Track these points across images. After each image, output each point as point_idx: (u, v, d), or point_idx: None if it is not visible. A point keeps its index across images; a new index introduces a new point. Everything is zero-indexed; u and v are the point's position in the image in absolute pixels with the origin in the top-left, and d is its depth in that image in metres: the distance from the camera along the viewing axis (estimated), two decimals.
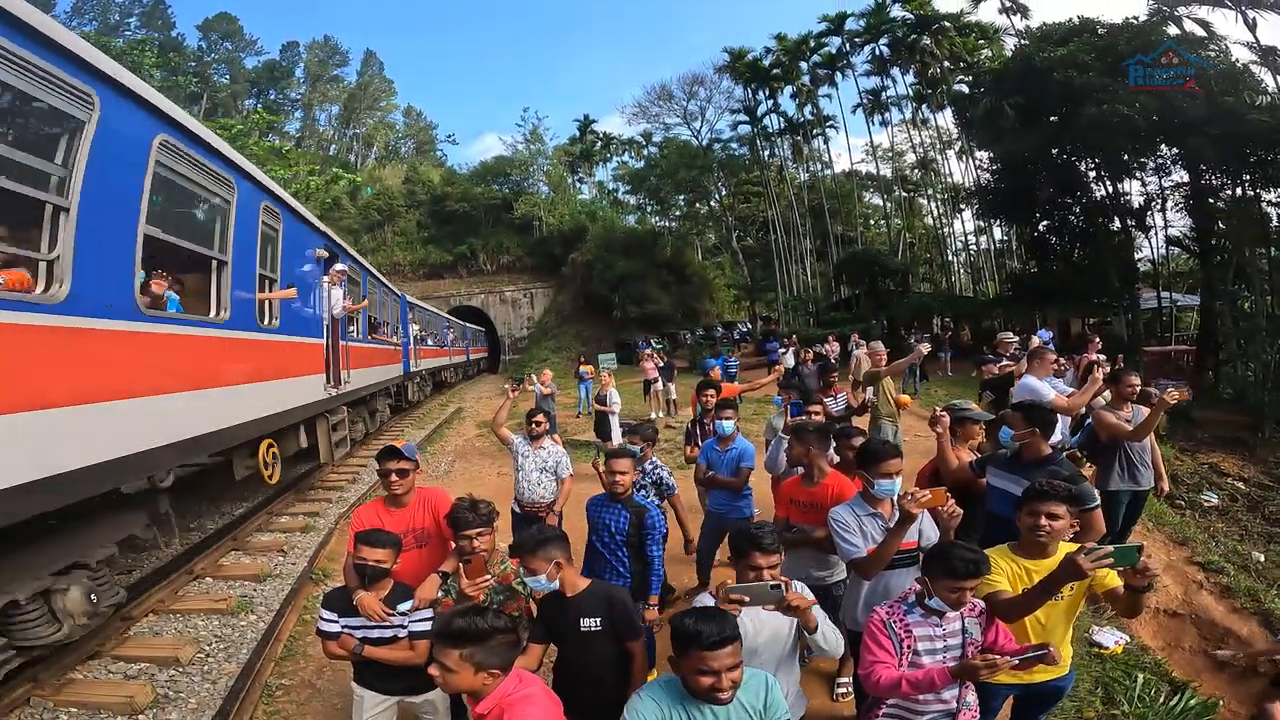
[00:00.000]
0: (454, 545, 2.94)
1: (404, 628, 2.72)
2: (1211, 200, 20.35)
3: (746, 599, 2.19)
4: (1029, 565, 2.61)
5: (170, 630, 4.65)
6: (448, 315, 27.69)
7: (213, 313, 5.35)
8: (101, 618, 3.99)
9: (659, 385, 15.26)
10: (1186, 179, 20.92)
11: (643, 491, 4.48)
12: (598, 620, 2.56)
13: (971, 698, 2.42)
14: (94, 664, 4.08)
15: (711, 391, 5.88)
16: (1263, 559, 7.51)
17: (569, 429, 13.47)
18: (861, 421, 6.93)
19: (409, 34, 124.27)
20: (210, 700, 3.78)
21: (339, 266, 8.80)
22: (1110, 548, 2.20)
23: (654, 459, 4.69)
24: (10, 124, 3.37)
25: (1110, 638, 4.87)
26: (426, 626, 2.69)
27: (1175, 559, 6.61)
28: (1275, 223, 19.83)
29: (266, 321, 6.35)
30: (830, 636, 2.42)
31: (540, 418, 5.09)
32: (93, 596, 3.83)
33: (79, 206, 3.38)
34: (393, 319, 14.40)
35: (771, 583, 2.23)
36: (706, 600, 2.41)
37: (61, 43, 3.27)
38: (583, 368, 16.59)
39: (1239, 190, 19.90)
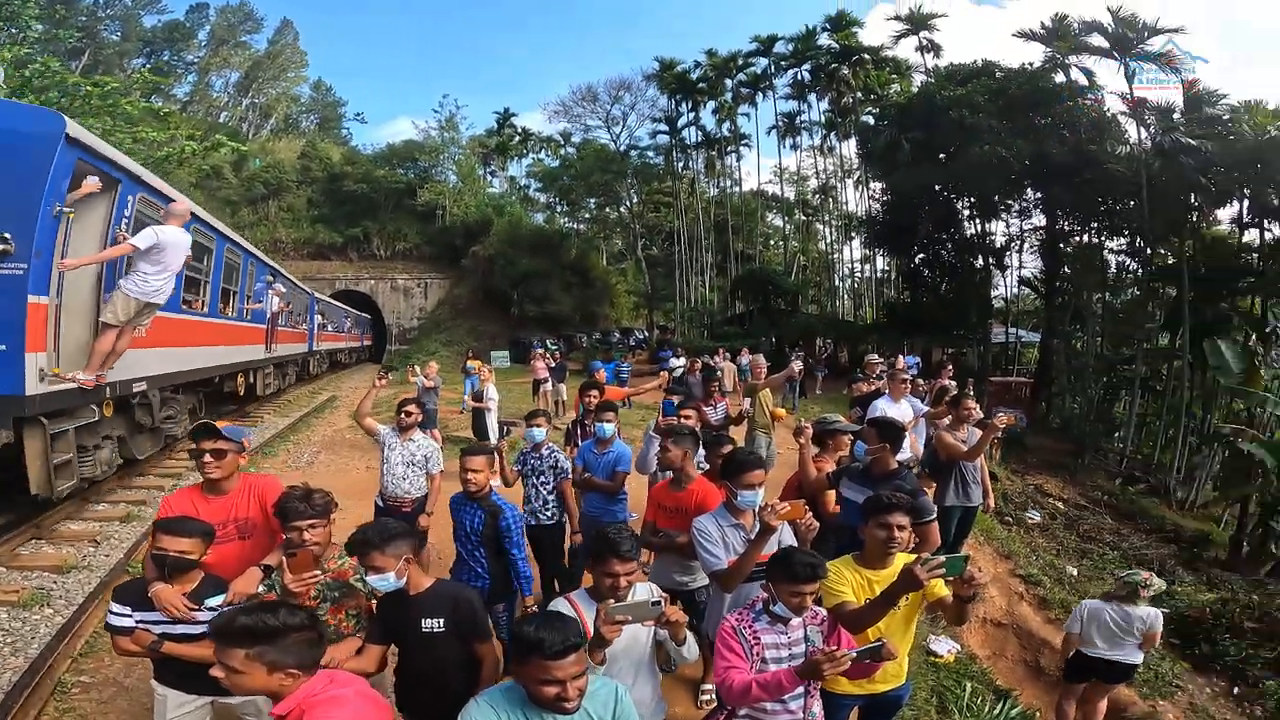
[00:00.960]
0: (283, 538, 2.71)
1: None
2: (1062, 245, 22.65)
3: (629, 618, 2.14)
4: (870, 575, 2.71)
5: None
6: (343, 305, 26.67)
7: None
8: None
9: (548, 386, 15.17)
10: (1044, 223, 23.16)
11: (542, 477, 4.47)
12: (440, 621, 2.43)
13: (817, 708, 2.45)
14: None
15: (594, 393, 5.80)
16: (1075, 573, 8.38)
17: (450, 425, 13.12)
18: (739, 432, 7.20)
19: (333, 6, 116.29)
20: None
21: (280, 287, 12.79)
22: (943, 558, 2.32)
23: (551, 445, 4.63)
24: None
25: (944, 646, 5.20)
26: None
27: (1001, 571, 7.19)
28: (1113, 270, 22.40)
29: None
30: (694, 647, 2.42)
31: (411, 408, 4.91)
32: None
33: None
34: (300, 309, 17.87)
35: (652, 599, 2.20)
36: (560, 605, 2.38)
37: None
38: (470, 363, 16.19)
39: (1086, 237, 22.29)
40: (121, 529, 6.29)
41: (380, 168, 41.36)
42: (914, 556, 2.68)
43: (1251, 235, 19.47)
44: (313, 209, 38.84)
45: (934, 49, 29.16)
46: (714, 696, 3.63)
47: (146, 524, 6.35)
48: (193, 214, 7.62)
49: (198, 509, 2.80)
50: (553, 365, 15.71)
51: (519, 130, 46.68)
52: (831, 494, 3.92)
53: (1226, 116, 17.84)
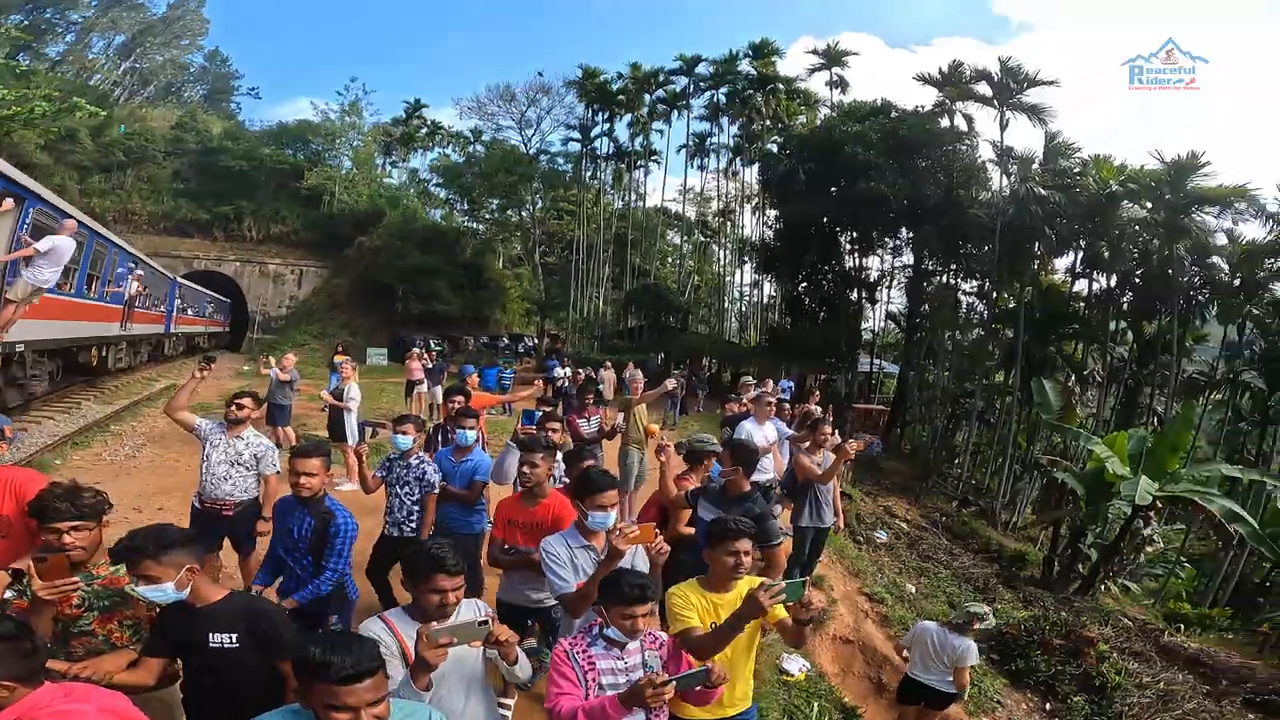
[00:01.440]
0: (40, 540, 2.45)
1: None
2: (925, 284, 24.57)
3: (454, 640, 2.01)
4: (715, 599, 2.67)
5: None
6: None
7: None
8: None
9: (424, 388, 14.54)
10: (912, 261, 25.02)
11: (407, 488, 4.28)
12: (233, 635, 2.23)
13: None
14: None
15: (460, 398, 5.56)
16: (914, 590, 8.88)
17: (310, 423, 12.24)
18: (612, 446, 7.20)
19: None
20: None
21: (140, 273, 14.36)
22: (783, 584, 2.31)
23: (421, 454, 4.41)
24: None
25: (796, 665, 5.31)
26: None
27: (850, 589, 7.47)
28: (964, 310, 24.50)
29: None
30: (526, 666, 2.34)
31: (245, 401, 4.51)
32: None
33: None
34: (160, 294, 18.77)
35: (479, 619, 2.12)
36: (374, 626, 2.23)
37: None
38: (337, 358, 15.25)
39: (946, 278, 24.27)
40: None
41: (266, 145, 38.77)
42: (759, 580, 2.69)
43: (1081, 285, 22.10)
44: (178, 181, 35.69)
45: (842, 85, 30.81)
46: None
47: None
48: (78, 221, 9.33)
49: None
50: (430, 366, 15.07)
51: (428, 122, 45.13)
52: (687, 513, 3.93)
53: (1077, 170, 19.80)
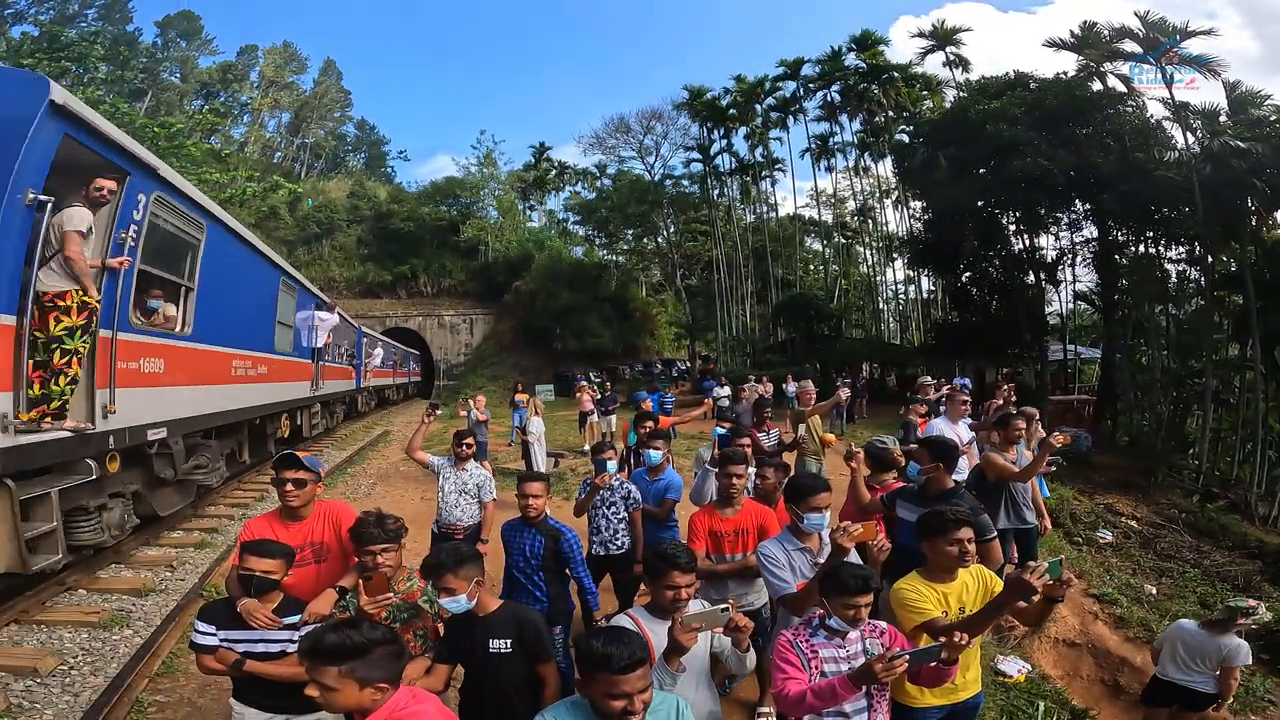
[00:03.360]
0: (356, 561, 2.83)
1: (292, 642, 2.58)
2: (1117, 257, 21.90)
3: (703, 625, 2.24)
4: (943, 590, 2.75)
5: (32, 641, 4.35)
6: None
7: None
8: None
9: (594, 418, 15.30)
10: (1096, 235, 22.43)
11: (614, 508, 4.54)
12: (508, 642, 2.51)
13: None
14: None
15: (650, 423, 5.90)
16: (1155, 591, 8.06)
17: (500, 457, 13.27)
18: (790, 458, 7.19)
19: (372, 46, 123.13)
20: (68, 713, 3.57)
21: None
22: (1045, 563, 2.38)
23: (619, 477, 4.70)
24: None
25: (1014, 666, 5.04)
26: None
27: (1073, 591, 6.92)
28: (1174, 280, 21.51)
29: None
30: (752, 657, 2.49)
31: (470, 440, 5.19)
32: None
33: None
34: (349, 345, 17.71)
35: (721, 606, 2.27)
36: (623, 621, 2.45)
37: None
38: (518, 396, 16.46)
39: (1142, 248, 21.51)
40: (196, 554, 6.53)
41: (424, 205, 42.46)
42: (981, 569, 2.84)
43: None
44: (362, 247, 40.02)
45: (962, 63, 28.93)
46: (773, 717, 3.65)
47: (219, 550, 6.61)
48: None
49: (276, 534, 2.93)
50: (599, 398, 15.86)
51: (555, 164, 47.79)
52: (890, 515, 3.90)
53: (1273, 118, 17.17)
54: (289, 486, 2.98)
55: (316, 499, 3.14)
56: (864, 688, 2.23)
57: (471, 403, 12.19)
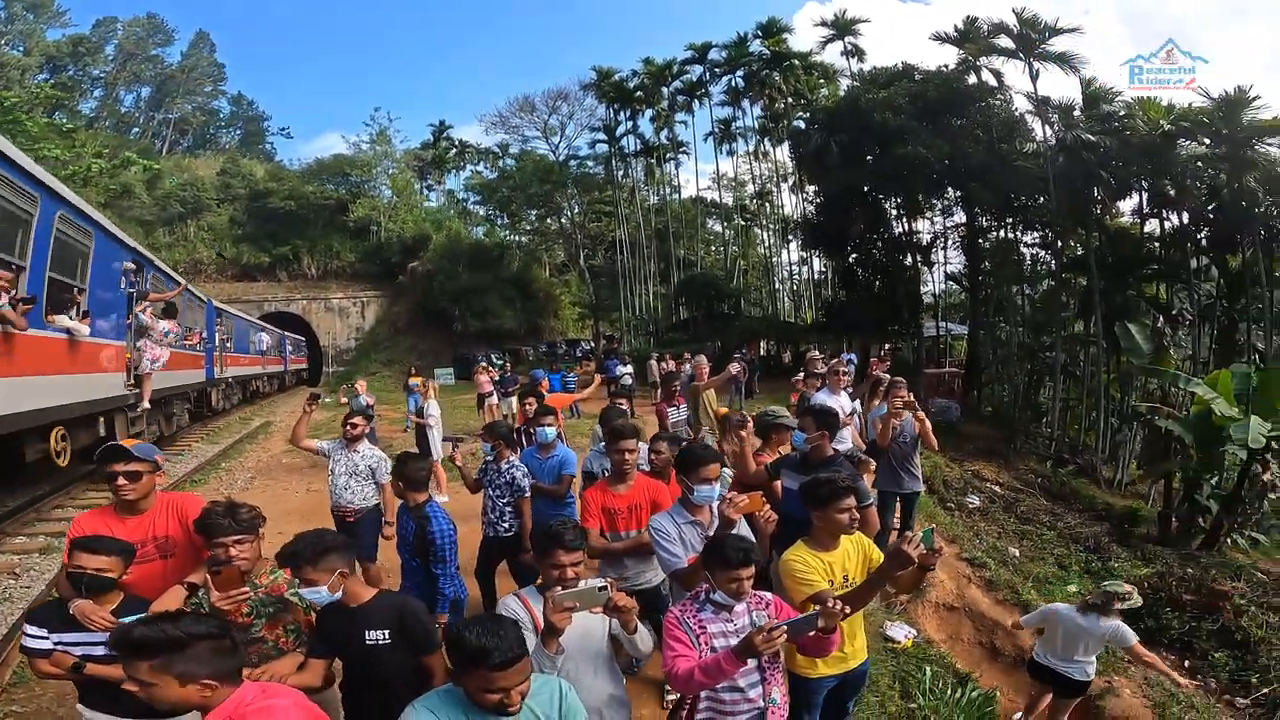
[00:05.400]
0: (207, 555, 2.64)
1: None
2: (981, 241, 23.73)
3: (576, 605, 2.16)
4: (828, 559, 2.80)
5: None
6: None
7: None
8: None
9: (493, 400, 15.01)
10: (964, 220, 24.22)
11: (498, 491, 4.50)
12: (386, 632, 2.40)
13: (778, 694, 2.44)
14: None
15: (532, 399, 5.92)
16: (1017, 553, 8.63)
17: (395, 444, 12.73)
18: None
19: (255, 18, 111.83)
20: None
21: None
22: (920, 532, 2.49)
23: (510, 459, 4.57)
24: None
25: (900, 632, 5.28)
26: None
27: (948, 556, 7.22)
28: (1029, 263, 23.61)
29: None
30: (647, 638, 2.44)
31: (357, 420, 5.15)
32: None
33: None
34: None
35: (598, 584, 2.22)
36: (511, 602, 2.43)
37: None
38: (412, 380, 15.82)
39: (1003, 233, 23.45)
40: (42, 560, 6.07)
41: (309, 184, 39.82)
42: (860, 536, 2.90)
43: (1152, 225, 20.95)
44: (235, 228, 37.09)
45: (858, 53, 30.08)
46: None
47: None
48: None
49: (112, 529, 2.70)
50: (498, 379, 15.53)
51: (455, 143, 46.10)
52: (776, 485, 3.92)
53: (1122, 113, 18.95)
54: (121, 480, 2.74)
55: (158, 490, 2.94)
56: (752, 661, 2.23)
57: (357, 387, 11.76)
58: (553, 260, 43.46)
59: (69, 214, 6.92)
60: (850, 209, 24.58)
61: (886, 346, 24.13)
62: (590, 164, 42.24)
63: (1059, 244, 21.55)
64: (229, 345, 17.58)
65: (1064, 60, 19.34)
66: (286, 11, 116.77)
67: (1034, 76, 19.70)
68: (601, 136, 38.67)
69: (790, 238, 37.14)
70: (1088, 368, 20.53)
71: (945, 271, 27.56)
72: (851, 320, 25.14)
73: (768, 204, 39.44)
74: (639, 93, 35.84)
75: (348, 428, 5.07)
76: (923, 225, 26.45)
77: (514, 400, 15.05)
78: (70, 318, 6.91)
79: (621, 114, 37.14)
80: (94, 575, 2.38)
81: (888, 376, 9.35)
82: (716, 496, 3.01)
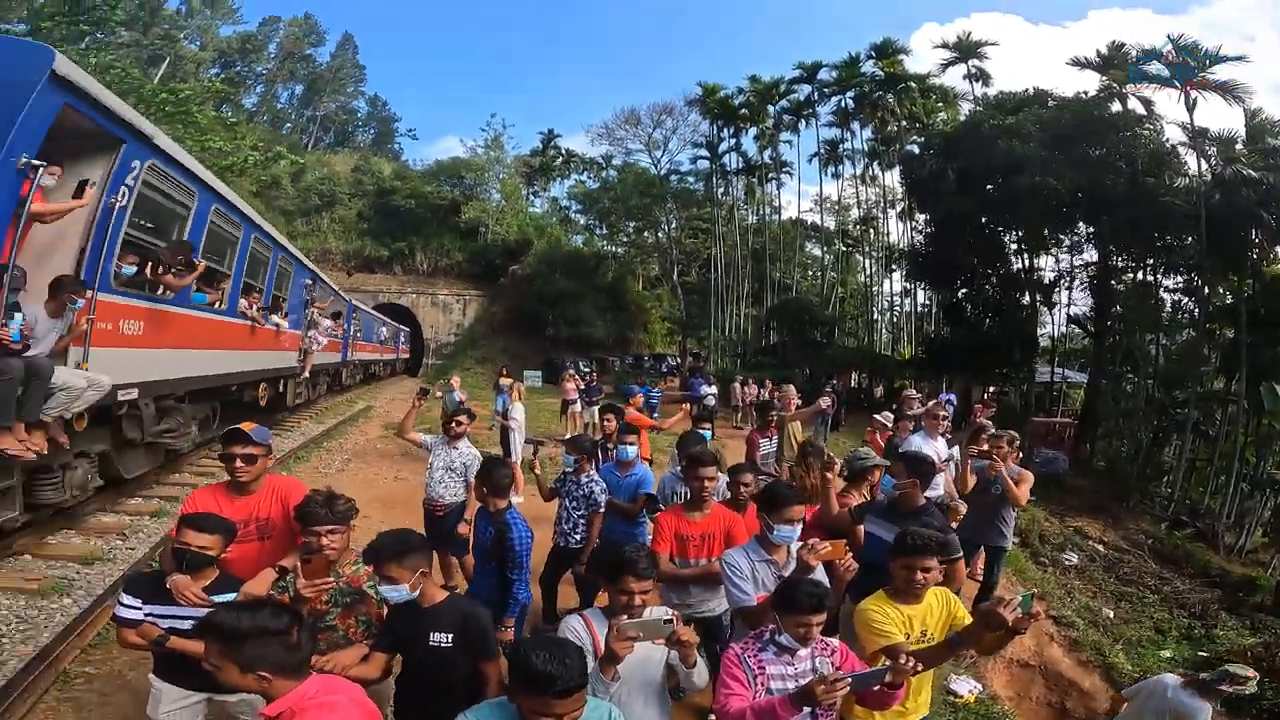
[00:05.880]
0: (301, 541, 2.75)
1: None
2: (1114, 282, 21.86)
3: (640, 635, 2.16)
4: (908, 611, 2.70)
5: None
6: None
7: None
8: None
9: (577, 407, 15.19)
10: (1096, 258, 22.38)
11: (575, 502, 4.53)
12: (450, 636, 2.44)
13: None
14: None
15: (611, 416, 5.89)
16: (1112, 615, 8.07)
17: (480, 441, 13.14)
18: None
19: (392, 24, 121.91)
20: None
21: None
22: (1019, 596, 2.38)
23: (590, 472, 4.62)
24: None
25: (965, 686, 5.01)
26: None
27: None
28: (1169, 310, 21.43)
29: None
30: (703, 672, 2.41)
31: (462, 418, 5.23)
32: None
33: None
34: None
35: (664, 617, 2.21)
36: (574, 623, 2.42)
37: None
38: (503, 380, 16.32)
39: (1140, 274, 21.46)
40: (151, 523, 6.34)
41: (428, 184, 42.20)
42: (946, 591, 2.80)
43: None
44: (362, 222, 39.79)
45: (983, 77, 28.68)
46: None
47: (175, 519, 6.46)
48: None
49: (221, 507, 2.86)
50: (583, 387, 15.70)
51: (562, 152, 47.61)
52: (859, 530, 3.77)
53: None
54: (238, 463, 2.91)
55: (268, 473, 3.08)
56: (806, 708, 2.15)
57: (452, 382, 12.18)
58: (646, 273, 43.89)
59: (260, 236, 9.51)
60: (963, 240, 23.37)
61: (991, 390, 22.62)
62: (690, 179, 42.53)
63: (1205, 290, 19.51)
64: (358, 335, 20.69)
65: (1226, 90, 17.76)
66: (421, 17, 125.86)
67: (1190, 106, 18.17)
68: (703, 152, 38.87)
69: (894, 267, 35.77)
70: (1223, 428, 18.48)
71: (1068, 313, 25.53)
72: (954, 358, 23.75)
73: (872, 230, 38.16)
74: (744, 110, 35.68)
75: (452, 425, 5.17)
76: (1045, 262, 24.74)
77: (596, 410, 15.38)
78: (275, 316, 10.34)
79: (725, 131, 37.11)
80: (196, 552, 2.49)
81: (990, 424, 8.76)
82: (795, 538, 2.97)
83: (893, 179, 34.08)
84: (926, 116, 31.00)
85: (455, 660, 2.45)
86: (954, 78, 29.75)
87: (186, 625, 2.47)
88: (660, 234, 42.81)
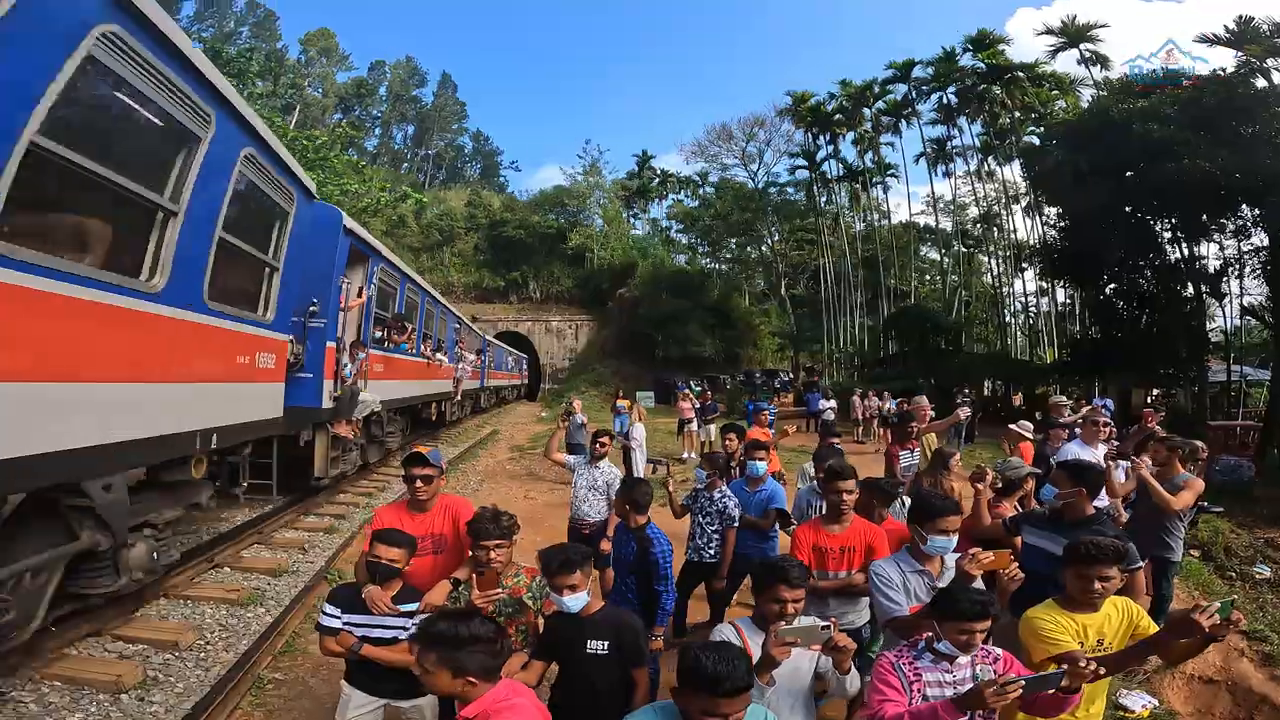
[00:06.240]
0: (470, 554, 2.95)
1: (405, 629, 2.72)
2: None
3: (798, 641, 2.21)
4: (1083, 620, 2.60)
5: (177, 615, 4.71)
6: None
7: None
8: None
9: (693, 426, 15.21)
10: (1267, 243, 19.77)
11: (709, 518, 4.61)
12: (605, 644, 2.56)
13: None
14: (92, 641, 4.13)
15: (733, 435, 5.99)
16: None
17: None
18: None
19: (482, 59, 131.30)
20: (198, 687, 3.77)
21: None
22: (1218, 604, 2.26)
23: (723, 488, 4.69)
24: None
25: (1138, 702, 4.71)
26: None
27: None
28: None
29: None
30: (856, 679, 2.45)
31: (605, 439, 5.41)
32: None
33: None
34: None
35: (821, 624, 2.26)
36: (726, 632, 2.46)
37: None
38: (619, 401, 16.62)
39: None
40: (325, 539, 6.98)
41: (534, 214, 44.15)
42: (1125, 600, 2.70)
43: None
44: (478, 254, 42.13)
45: (1100, 61, 26.77)
46: None
47: (344, 536, 7.07)
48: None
49: (403, 523, 3.11)
50: (698, 406, 15.71)
51: (658, 172, 48.31)
52: (1015, 542, 3.66)
53: None
54: (418, 483, 3.17)
55: (440, 493, 3.33)
56: (968, 714, 2.10)
57: (574, 405, 12.58)
58: (753, 289, 43.36)
59: (430, 299, 13.25)
60: (1106, 232, 21.20)
61: (1155, 393, 20.18)
62: (790, 190, 41.79)
63: None
64: (492, 365, 24.54)
65: None
66: (507, 51, 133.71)
67: None
68: (800, 162, 38.07)
69: (1025, 265, 33.19)
70: None
71: (1241, 304, 22.42)
72: (1106, 360, 21.48)
73: (995, 228, 35.64)
74: (838, 115, 34.94)
75: (596, 445, 5.34)
76: (1208, 249, 21.95)
77: (713, 428, 15.33)
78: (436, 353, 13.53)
79: (821, 138, 36.30)
80: (387, 565, 2.71)
81: (1159, 429, 7.83)
82: (950, 549, 2.94)
83: (1012, 173, 32.13)
84: (1043, 106, 29.05)
85: (609, 667, 2.55)
86: (1067, 63, 27.95)
87: (376, 634, 2.71)
88: (764, 248, 42.22)
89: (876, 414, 18.17)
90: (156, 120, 3.61)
